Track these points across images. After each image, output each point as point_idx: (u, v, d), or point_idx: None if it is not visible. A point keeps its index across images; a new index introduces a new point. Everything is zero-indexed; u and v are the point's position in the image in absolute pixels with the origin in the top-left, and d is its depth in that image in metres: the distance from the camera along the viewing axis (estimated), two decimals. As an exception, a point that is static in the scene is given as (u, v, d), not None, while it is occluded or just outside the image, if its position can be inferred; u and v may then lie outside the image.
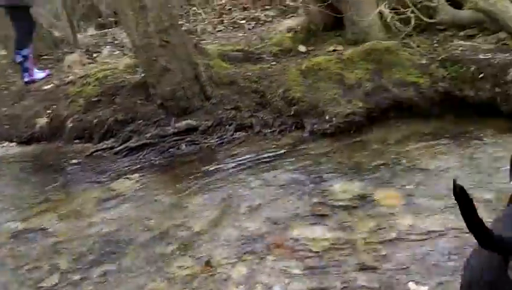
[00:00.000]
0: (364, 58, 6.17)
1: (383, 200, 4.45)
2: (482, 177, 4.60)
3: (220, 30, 8.94)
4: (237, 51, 6.98)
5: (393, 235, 3.95)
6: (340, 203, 4.50)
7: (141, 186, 5.30)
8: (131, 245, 4.31)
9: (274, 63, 6.74)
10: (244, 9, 9.78)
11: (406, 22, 6.71)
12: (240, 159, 5.55)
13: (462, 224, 3.83)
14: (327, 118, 5.76)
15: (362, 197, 4.53)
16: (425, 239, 3.86)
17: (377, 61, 6.12)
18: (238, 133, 5.99)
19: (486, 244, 1.87)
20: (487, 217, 3.78)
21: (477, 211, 1.91)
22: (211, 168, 5.45)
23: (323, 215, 4.34)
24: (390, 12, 6.66)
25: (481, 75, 5.65)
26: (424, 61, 6.11)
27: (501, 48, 6.08)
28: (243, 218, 4.46)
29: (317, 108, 5.87)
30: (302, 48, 6.89)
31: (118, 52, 8.69)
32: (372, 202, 4.45)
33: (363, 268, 3.65)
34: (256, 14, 9.28)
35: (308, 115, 5.90)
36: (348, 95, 5.90)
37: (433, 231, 3.92)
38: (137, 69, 6.88)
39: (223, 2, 10.25)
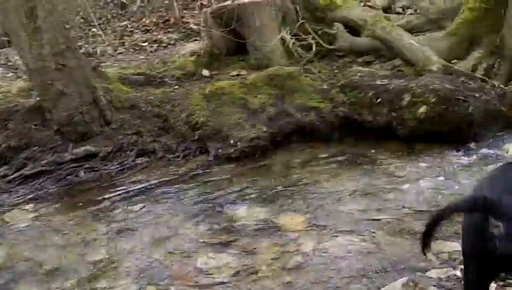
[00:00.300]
0: (267, 83, 6.21)
1: (287, 225, 4.45)
2: (380, 197, 4.73)
3: (121, 52, 8.71)
4: (139, 74, 6.81)
5: (298, 260, 3.94)
6: (245, 229, 4.44)
7: (36, 217, 4.97)
8: (23, 282, 4.00)
9: (177, 87, 6.63)
10: (147, 31, 9.62)
11: (307, 48, 6.86)
12: (142, 185, 5.37)
13: (365, 246, 3.94)
14: (231, 142, 5.72)
15: (267, 222, 4.50)
16: (329, 263, 3.87)
17: (279, 87, 6.18)
18: (140, 159, 5.80)
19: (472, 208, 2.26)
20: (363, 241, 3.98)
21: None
22: (112, 196, 5.22)
23: (228, 243, 4.25)
24: (292, 38, 6.79)
25: (378, 100, 5.86)
26: (324, 87, 6.25)
27: (396, 74, 6.35)
28: (145, 248, 4.29)
29: (222, 132, 5.81)
30: (205, 72, 6.85)
31: (11, 74, 8.20)
32: (277, 227, 4.43)
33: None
34: (159, 37, 9.14)
35: (213, 140, 5.83)
36: (252, 120, 5.90)
37: (337, 255, 3.94)
38: (31, 92, 6.52)
39: (125, 23, 10.02)
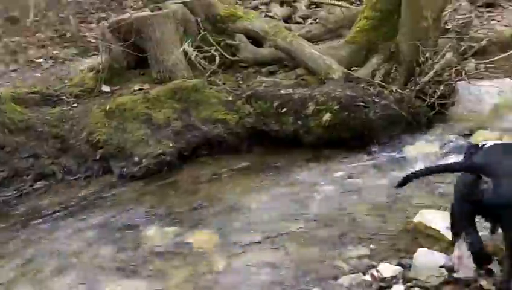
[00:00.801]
0: (171, 97, 6.05)
1: (198, 243, 4.32)
2: (291, 207, 4.73)
3: (14, 70, 8.22)
4: (34, 93, 6.39)
5: (210, 279, 3.83)
6: (154, 250, 4.27)
7: None
8: None
9: (75, 104, 6.30)
10: (42, 46, 9.14)
11: (210, 60, 6.77)
12: (42, 211, 5.04)
13: (277, 258, 3.90)
14: (136, 160, 5.51)
15: (177, 242, 4.35)
16: (241, 280, 3.80)
17: (184, 100, 6.05)
18: (38, 183, 5.46)
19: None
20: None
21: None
22: (8, 225, 4.87)
23: (136, 267, 4.06)
24: (195, 50, 6.67)
25: (284, 110, 5.87)
26: (230, 98, 6.18)
27: (300, 83, 6.40)
28: (48, 279, 4.02)
29: (125, 150, 5.59)
30: (105, 88, 6.56)
31: None
32: (188, 246, 4.30)
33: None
34: (55, 52, 8.73)
35: (116, 158, 5.60)
36: (157, 135, 5.72)
37: (249, 270, 3.88)
38: None
39: (17, 38, 9.47)
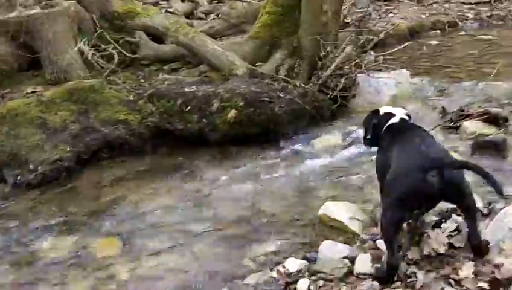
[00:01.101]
0: (67, 99, 5.73)
1: (101, 251, 4.12)
2: (198, 207, 4.62)
3: None
4: None
5: (113, 287, 3.66)
6: (54, 262, 4.02)
7: None
8: None
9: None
10: None
11: (109, 58, 6.51)
12: None
13: (184, 261, 3.78)
14: (31, 167, 5.17)
15: (78, 251, 4.12)
16: (147, 287, 3.65)
17: (81, 101, 5.75)
18: None
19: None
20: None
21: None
22: None
23: (34, 281, 3.81)
24: (91, 49, 6.38)
25: (188, 108, 5.74)
26: (131, 98, 5.95)
27: (204, 80, 6.29)
28: None
29: (19, 157, 5.22)
30: (-7, 92, 6.15)
31: None
32: (89, 255, 4.09)
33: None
34: None
35: (9, 167, 5.22)
36: (53, 140, 5.40)
37: (155, 276, 3.74)
38: None
39: None
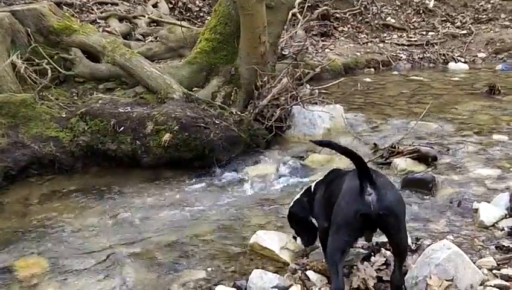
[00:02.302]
0: (-3, 112, 5.57)
1: (25, 270, 3.98)
2: (128, 230, 4.56)
3: None
4: None
5: (38, 310, 3.53)
6: (-27, 282, 3.84)
7: None
8: None
9: None
10: None
11: (42, 73, 6.36)
12: None
13: (112, 284, 3.71)
14: (-45, 180, 4.97)
15: (2, 270, 3.96)
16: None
17: (12, 115, 5.61)
18: None
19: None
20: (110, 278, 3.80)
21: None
22: None
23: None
24: (24, 62, 6.22)
25: (121, 129, 5.68)
26: (63, 115, 5.87)
27: (139, 101, 6.26)
28: None
29: None
30: None
31: None
32: (13, 274, 3.93)
33: None
34: None
35: None
36: (-20, 154, 5.22)
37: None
38: None
39: None
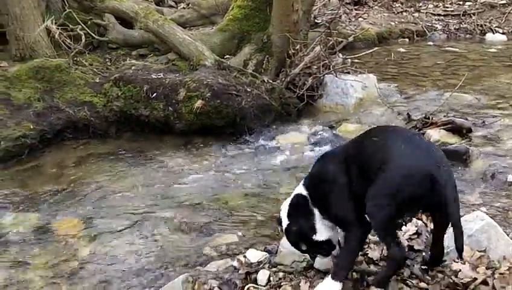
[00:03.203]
0: (33, 77, 5.68)
1: (61, 229, 4.11)
2: (161, 194, 4.63)
3: None
4: None
5: (74, 266, 3.65)
6: (14, 238, 3.98)
7: None
8: None
9: None
10: None
11: (76, 39, 6.43)
12: None
13: (145, 245, 3.79)
14: (-7, 142, 5.10)
15: (38, 229, 4.10)
16: (107, 266, 3.65)
17: (47, 80, 5.71)
18: None
19: None
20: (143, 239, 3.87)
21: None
22: None
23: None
24: (58, 28, 6.29)
25: (154, 95, 5.73)
26: (97, 80, 5.94)
27: (171, 68, 6.29)
28: None
29: (-20, 132, 5.15)
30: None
31: None
32: (51, 233, 4.06)
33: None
34: None
35: (-30, 140, 5.14)
36: (17, 116, 5.35)
37: (116, 257, 3.74)
38: None
39: None
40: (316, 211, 3.03)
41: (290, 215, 3.10)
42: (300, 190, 3.10)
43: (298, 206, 3.08)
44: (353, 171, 2.90)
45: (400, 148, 2.83)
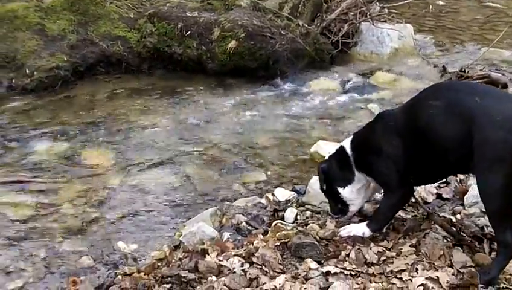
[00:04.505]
0: (67, 8, 5.65)
1: (92, 160, 4.17)
2: (191, 131, 4.64)
3: None
4: None
5: (103, 195, 3.72)
6: (45, 165, 4.06)
7: None
8: None
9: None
10: None
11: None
12: None
13: (175, 179, 3.84)
14: (27, 72, 5.13)
15: (69, 158, 4.17)
16: (137, 197, 3.72)
17: (81, 12, 5.67)
18: None
19: None
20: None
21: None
22: None
23: (24, 181, 3.85)
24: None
25: (188, 33, 5.68)
26: (132, 15, 5.88)
27: (206, 7, 6.17)
28: None
29: (15, 61, 5.20)
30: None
31: None
32: (80, 163, 4.14)
33: (70, 233, 3.35)
34: None
35: (5, 69, 5.18)
36: (51, 48, 5.36)
37: (145, 189, 3.80)
38: None
39: None
40: (356, 173, 3.03)
41: (330, 163, 3.12)
42: (347, 145, 3.07)
43: (339, 162, 3.08)
44: (410, 137, 2.79)
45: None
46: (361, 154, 3.00)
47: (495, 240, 2.72)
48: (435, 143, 2.69)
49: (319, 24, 6.05)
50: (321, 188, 3.18)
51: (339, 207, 3.16)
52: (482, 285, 2.58)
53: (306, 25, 5.98)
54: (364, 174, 3.03)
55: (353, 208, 3.14)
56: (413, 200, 3.28)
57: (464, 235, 2.98)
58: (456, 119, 2.62)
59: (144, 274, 2.84)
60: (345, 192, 3.08)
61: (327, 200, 3.26)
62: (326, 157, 3.22)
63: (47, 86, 5.17)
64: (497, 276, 2.62)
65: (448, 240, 2.95)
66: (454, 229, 3.01)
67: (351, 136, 3.13)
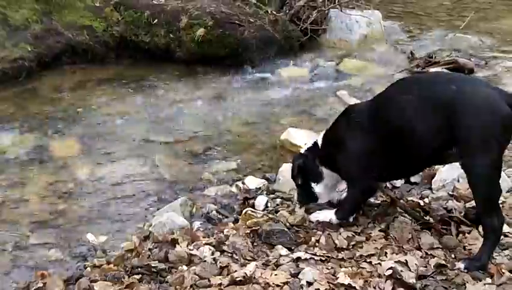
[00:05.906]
0: (30, -4, 5.54)
1: (59, 151, 4.10)
2: (160, 121, 4.61)
3: None
4: None
5: (71, 187, 3.66)
6: (11, 158, 3.98)
7: None
8: None
9: None
10: None
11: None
12: None
13: (144, 170, 3.80)
14: (-10, 63, 5.02)
15: (36, 150, 4.09)
16: (105, 189, 3.67)
17: (45, 1, 5.55)
18: None
19: None
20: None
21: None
22: None
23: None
24: None
25: (155, 21, 5.62)
26: (98, 4, 5.79)
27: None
28: None
29: (-23, 52, 5.06)
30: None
31: None
32: (48, 154, 4.06)
33: (38, 226, 3.29)
34: None
35: (-34, 60, 5.05)
36: (14, 38, 5.23)
37: (114, 180, 3.75)
38: None
39: None
40: (323, 169, 3.03)
41: (306, 159, 3.08)
42: (319, 140, 3.05)
43: (313, 158, 3.05)
44: (379, 133, 2.76)
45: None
46: (327, 150, 2.99)
47: (482, 224, 2.71)
48: (410, 137, 2.67)
49: (287, 11, 6.05)
50: (296, 183, 3.16)
51: (306, 196, 3.14)
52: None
53: (275, 12, 5.97)
54: (329, 169, 3.02)
55: (322, 201, 3.15)
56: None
57: (429, 218, 3.01)
58: (433, 110, 2.59)
59: (114, 266, 2.80)
60: (318, 187, 3.09)
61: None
62: (302, 151, 3.19)
63: (11, 77, 5.05)
64: (487, 262, 2.62)
65: (417, 223, 2.99)
66: (418, 214, 3.03)
67: (324, 131, 3.10)
